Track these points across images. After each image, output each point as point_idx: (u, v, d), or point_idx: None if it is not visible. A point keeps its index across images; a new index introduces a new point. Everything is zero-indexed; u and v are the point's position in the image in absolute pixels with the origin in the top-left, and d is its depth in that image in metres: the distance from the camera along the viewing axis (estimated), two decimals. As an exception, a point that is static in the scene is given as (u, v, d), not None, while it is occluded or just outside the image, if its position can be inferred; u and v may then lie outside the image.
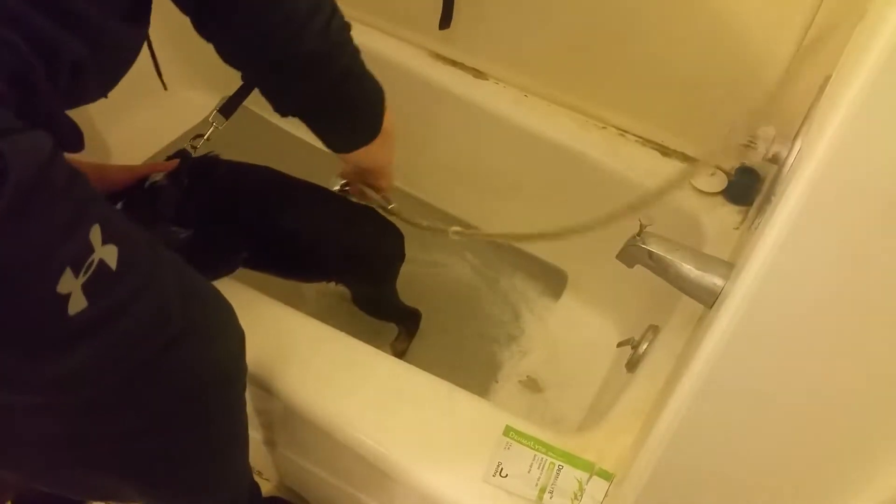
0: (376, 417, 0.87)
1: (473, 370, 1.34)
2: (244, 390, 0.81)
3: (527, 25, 1.25)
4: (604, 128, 1.28)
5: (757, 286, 0.43)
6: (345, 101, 0.86)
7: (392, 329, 1.33)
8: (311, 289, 1.40)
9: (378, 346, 0.96)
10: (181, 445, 0.75)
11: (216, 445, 0.81)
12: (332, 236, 1.09)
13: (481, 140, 1.38)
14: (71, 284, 0.50)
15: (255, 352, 0.92)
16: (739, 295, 0.44)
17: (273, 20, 0.73)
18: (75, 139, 0.62)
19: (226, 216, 0.95)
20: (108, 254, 0.54)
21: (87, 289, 0.51)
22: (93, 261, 0.52)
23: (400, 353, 1.33)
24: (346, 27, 0.82)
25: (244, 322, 0.75)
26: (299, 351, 0.94)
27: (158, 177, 0.90)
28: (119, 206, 0.87)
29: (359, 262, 1.14)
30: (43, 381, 0.55)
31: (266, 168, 1.04)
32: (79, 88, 0.62)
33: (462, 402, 0.90)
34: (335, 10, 0.79)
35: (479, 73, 1.35)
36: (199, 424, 0.75)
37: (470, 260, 1.50)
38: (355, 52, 0.84)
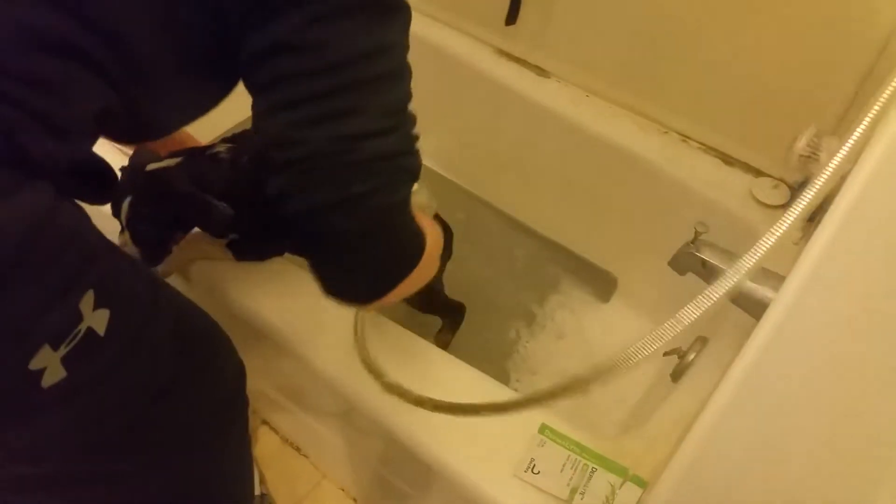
0: (414, 406, 0.88)
1: (516, 367, 1.34)
2: (246, 427, 0.78)
3: (594, 24, 1.24)
4: (665, 132, 1.26)
5: (793, 299, 0.42)
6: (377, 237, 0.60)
7: (437, 320, 1.34)
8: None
9: (422, 336, 0.97)
10: (176, 491, 0.70)
11: (215, 487, 0.77)
12: None
13: (540, 138, 1.37)
14: (47, 360, 0.48)
15: (296, 327, 0.95)
16: (778, 307, 0.43)
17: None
18: (98, 190, 0.58)
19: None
20: (98, 320, 0.51)
21: (67, 360, 0.49)
22: (80, 330, 0.49)
23: (443, 345, 1.33)
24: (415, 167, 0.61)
25: (291, 299, 0.75)
26: (345, 335, 0.95)
27: (222, 148, 0.91)
28: (176, 161, 0.87)
29: None
30: (4, 453, 0.52)
31: None
32: (125, 132, 0.59)
33: (500, 396, 0.90)
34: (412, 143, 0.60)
35: (541, 72, 1.34)
36: (195, 473, 0.71)
37: (519, 259, 1.50)
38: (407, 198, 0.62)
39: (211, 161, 0.90)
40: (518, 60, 1.36)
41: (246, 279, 0.98)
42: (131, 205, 0.85)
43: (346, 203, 0.55)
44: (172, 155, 0.90)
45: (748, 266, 0.57)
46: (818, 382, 0.44)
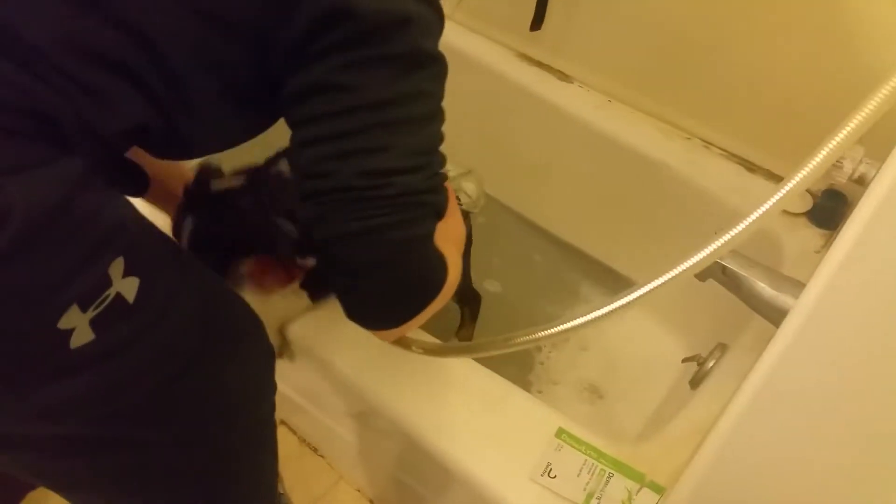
0: (432, 408, 0.89)
1: (533, 371, 1.34)
2: (272, 412, 0.78)
3: (616, 30, 1.24)
4: (688, 138, 1.25)
5: (813, 306, 0.42)
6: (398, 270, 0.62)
7: (454, 317, 1.34)
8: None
9: (441, 335, 0.97)
10: (196, 476, 0.71)
11: (236, 474, 0.77)
12: None
13: (561, 143, 1.37)
14: (76, 320, 0.49)
15: (317, 333, 0.96)
16: (797, 314, 0.43)
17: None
18: (130, 186, 0.60)
19: None
20: (127, 287, 0.52)
21: (95, 322, 0.50)
22: (108, 295, 0.51)
23: (468, 338, 1.32)
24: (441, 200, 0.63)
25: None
26: (358, 337, 0.95)
27: (285, 167, 0.86)
28: (240, 182, 0.84)
29: None
30: (29, 411, 0.53)
31: None
32: (156, 146, 0.60)
33: (517, 400, 0.90)
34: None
35: (563, 76, 1.34)
36: (216, 453, 0.71)
37: (539, 264, 1.49)
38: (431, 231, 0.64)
39: (276, 179, 0.86)
40: (540, 65, 1.36)
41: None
42: (194, 226, 0.83)
43: (369, 235, 0.58)
44: (235, 173, 0.87)
45: (709, 251, 0.57)
46: (837, 389, 0.43)
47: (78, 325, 0.50)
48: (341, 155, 0.56)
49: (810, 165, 0.54)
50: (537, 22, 1.27)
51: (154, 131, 0.57)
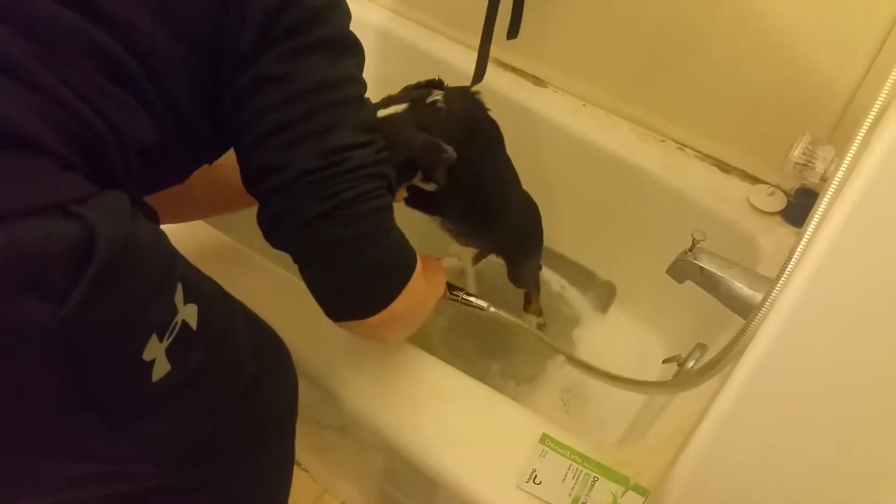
0: (415, 417, 0.88)
1: (515, 376, 1.34)
2: (294, 437, 0.80)
3: (591, 34, 1.24)
4: (663, 141, 1.26)
5: (794, 305, 0.42)
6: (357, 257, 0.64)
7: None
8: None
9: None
10: (238, 490, 0.72)
11: (268, 489, 0.80)
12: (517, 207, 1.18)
13: (537, 147, 1.38)
14: (156, 350, 0.50)
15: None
16: (779, 313, 0.43)
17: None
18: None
19: None
20: (189, 313, 0.53)
21: (170, 352, 0.51)
22: (176, 323, 0.51)
23: (539, 313, 1.38)
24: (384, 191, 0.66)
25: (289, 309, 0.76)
26: (339, 348, 0.95)
27: (438, 96, 0.90)
28: (402, 107, 0.85)
29: (527, 231, 1.23)
30: (118, 451, 0.53)
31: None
32: (149, 172, 0.59)
33: (500, 406, 0.90)
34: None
35: (538, 81, 1.35)
36: (252, 478, 0.73)
37: (519, 267, 1.49)
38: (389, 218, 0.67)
39: (431, 109, 0.88)
40: (514, 70, 1.37)
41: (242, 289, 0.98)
42: None
43: (339, 210, 0.61)
44: (391, 102, 0.88)
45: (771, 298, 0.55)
46: (820, 389, 0.44)
47: (157, 356, 0.50)
48: (297, 140, 0.59)
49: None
50: (513, 31, 1.27)
51: (151, 153, 0.56)
